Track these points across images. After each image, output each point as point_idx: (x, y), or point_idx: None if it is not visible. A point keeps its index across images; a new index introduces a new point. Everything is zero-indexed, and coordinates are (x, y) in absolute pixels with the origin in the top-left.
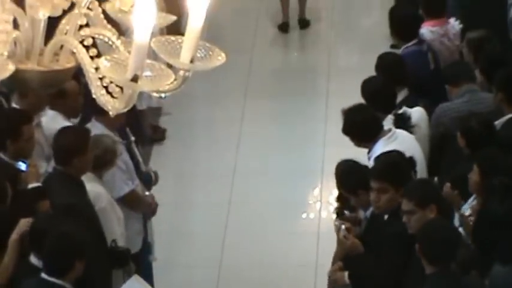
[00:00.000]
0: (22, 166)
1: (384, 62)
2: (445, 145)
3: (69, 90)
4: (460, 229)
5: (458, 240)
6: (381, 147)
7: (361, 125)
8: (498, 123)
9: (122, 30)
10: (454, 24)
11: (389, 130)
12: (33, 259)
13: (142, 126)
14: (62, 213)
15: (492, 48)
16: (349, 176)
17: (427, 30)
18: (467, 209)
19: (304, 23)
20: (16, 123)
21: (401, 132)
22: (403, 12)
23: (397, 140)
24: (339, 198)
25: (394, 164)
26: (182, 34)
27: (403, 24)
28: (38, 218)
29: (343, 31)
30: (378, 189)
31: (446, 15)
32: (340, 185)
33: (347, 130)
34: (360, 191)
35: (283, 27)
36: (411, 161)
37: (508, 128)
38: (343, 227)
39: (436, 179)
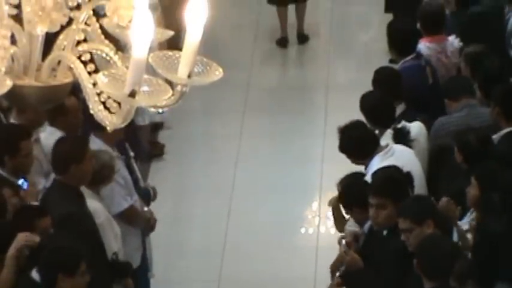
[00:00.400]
0: (24, 184)
1: (381, 77)
2: (443, 159)
3: (69, 107)
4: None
5: (457, 255)
6: (378, 163)
7: (357, 142)
8: (496, 137)
9: (119, 46)
10: (453, 41)
11: (386, 146)
12: (34, 274)
13: (141, 141)
14: (60, 224)
15: (490, 64)
16: (345, 192)
17: (424, 46)
18: (465, 224)
19: (302, 38)
20: (14, 139)
21: (398, 147)
22: (401, 27)
23: (394, 156)
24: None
25: (392, 179)
26: (181, 49)
27: (401, 38)
28: (43, 234)
29: (342, 46)
30: (377, 205)
31: (444, 32)
32: (338, 199)
33: (343, 148)
34: (354, 208)
35: (282, 43)
36: (408, 176)
37: (505, 143)
38: (343, 241)
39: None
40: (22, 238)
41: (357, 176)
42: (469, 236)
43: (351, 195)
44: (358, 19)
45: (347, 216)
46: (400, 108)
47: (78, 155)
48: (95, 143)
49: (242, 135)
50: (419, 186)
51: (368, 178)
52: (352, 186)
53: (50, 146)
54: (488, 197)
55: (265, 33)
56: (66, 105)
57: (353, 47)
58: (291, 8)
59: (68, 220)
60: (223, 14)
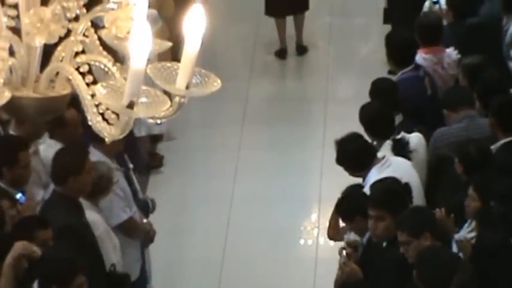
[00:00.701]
0: (21, 198)
1: (378, 88)
2: (442, 170)
3: (69, 119)
4: (460, 255)
5: (457, 266)
6: (375, 175)
7: (353, 155)
8: (493, 148)
9: (118, 57)
10: (451, 53)
11: (383, 157)
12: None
13: (140, 153)
14: (59, 235)
15: (489, 75)
16: (346, 201)
17: (420, 56)
18: (466, 235)
19: (301, 50)
20: (12, 150)
21: (395, 158)
22: (399, 38)
23: (391, 167)
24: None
25: (390, 191)
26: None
27: (399, 50)
28: (44, 246)
29: (341, 58)
30: (375, 216)
31: (442, 43)
32: (337, 210)
33: (340, 161)
34: (357, 216)
35: (281, 54)
36: (407, 187)
37: (502, 154)
38: (343, 252)
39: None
40: (19, 247)
41: (358, 186)
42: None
43: (354, 203)
44: (357, 31)
45: (342, 225)
46: (397, 119)
47: (77, 166)
48: (94, 155)
49: (241, 146)
50: (418, 197)
51: (366, 190)
52: (354, 194)
53: (49, 158)
54: (488, 208)
55: (263, 44)
56: (65, 118)
57: (352, 58)
58: (290, 20)
59: (66, 232)
60: (222, 25)
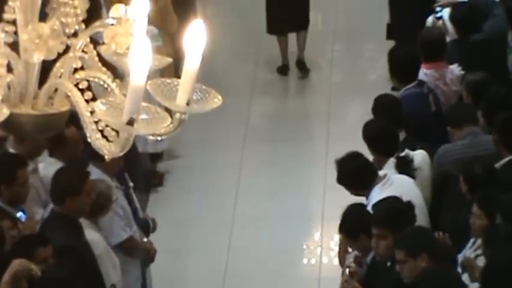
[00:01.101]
0: (22, 217)
1: (381, 104)
2: (446, 187)
3: (69, 137)
4: (466, 275)
5: (459, 286)
6: (377, 194)
7: (354, 174)
8: (497, 166)
9: (117, 73)
10: (454, 69)
11: (384, 176)
12: None
13: (141, 170)
14: (58, 255)
15: (494, 91)
16: (349, 219)
17: (422, 72)
18: (470, 254)
19: (302, 65)
20: (10, 168)
21: (397, 176)
22: (402, 54)
23: (393, 185)
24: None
25: (393, 210)
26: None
27: (402, 65)
28: (44, 264)
29: (344, 74)
30: (377, 235)
31: (446, 60)
32: (340, 228)
33: (341, 180)
34: (361, 234)
35: (283, 70)
36: (409, 206)
37: (506, 172)
38: (346, 271)
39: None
40: (16, 264)
41: (360, 204)
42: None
43: (357, 221)
44: (361, 50)
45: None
46: (401, 136)
47: (75, 188)
48: (94, 173)
49: (242, 164)
50: (421, 216)
51: (369, 209)
52: (357, 212)
53: (49, 177)
54: (494, 226)
55: (265, 60)
56: (65, 136)
57: (355, 75)
58: (293, 37)
59: (66, 251)
60: (223, 41)
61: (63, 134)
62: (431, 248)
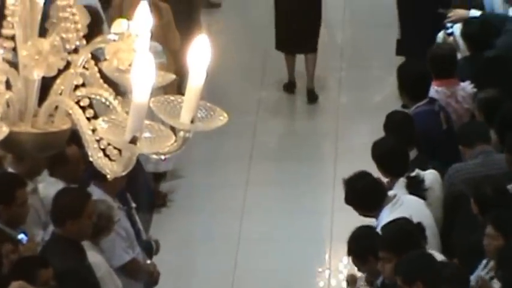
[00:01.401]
0: (23, 239)
1: (393, 121)
2: (458, 207)
3: (70, 156)
4: None
5: None
6: (386, 215)
7: (362, 194)
8: (510, 187)
9: (119, 90)
10: (466, 86)
11: (394, 196)
12: None
13: (144, 190)
14: (60, 279)
15: (508, 109)
16: (358, 241)
17: (433, 90)
18: (484, 275)
19: (312, 95)
20: (9, 188)
21: (407, 197)
22: (412, 70)
23: (403, 206)
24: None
25: (401, 233)
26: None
27: (412, 82)
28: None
29: (352, 93)
30: (383, 258)
31: (457, 77)
32: (349, 250)
33: (349, 200)
34: (370, 257)
35: (289, 88)
36: (419, 227)
37: None
38: None
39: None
40: (15, 286)
41: (369, 226)
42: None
43: (366, 243)
44: (370, 69)
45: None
46: (411, 155)
47: (76, 210)
48: (95, 193)
49: (248, 184)
50: (431, 237)
51: (379, 231)
52: (366, 234)
53: (50, 197)
54: (509, 247)
55: (271, 77)
56: (66, 154)
57: (363, 93)
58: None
59: (68, 275)
60: (228, 57)
61: (64, 152)
62: (426, 276)
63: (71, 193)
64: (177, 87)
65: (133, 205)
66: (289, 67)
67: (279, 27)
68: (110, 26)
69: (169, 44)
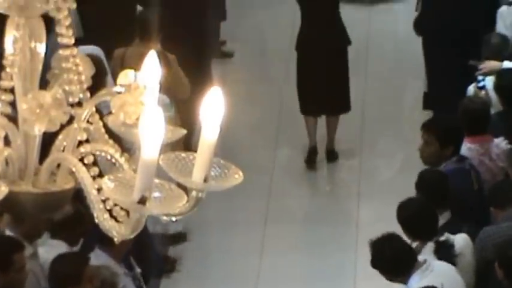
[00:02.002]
0: None
1: (426, 180)
2: (490, 274)
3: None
4: None
5: None
6: (416, 281)
7: (391, 258)
8: None
9: (125, 147)
10: (500, 142)
11: (424, 261)
12: None
13: (150, 254)
14: None
15: None
16: None
17: (464, 147)
18: None
19: (332, 155)
20: (6, 252)
21: (438, 263)
22: (442, 126)
23: (434, 272)
24: None
25: None
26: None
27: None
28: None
29: (374, 150)
30: None
31: (489, 132)
32: None
33: (376, 264)
34: None
35: (311, 157)
36: None
37: None
38: None
39: None
40: None
41: None
42: None
43: None
44: (391, 126)
45: None
46: (444, 218)
47: (75, 277)
48: (100, 257)
49: (264, 248)
50: None
51: None
52: None
53: (50, 262)
54: None
55: (286, 134)
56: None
57: (388, 151)
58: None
59: None
60: (242, 112)
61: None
62: None
63: (68, 259)
64: (185, 143)
65: (138, 270)
66: (309, 129)
67: (304, 89)
68: (114, 77)
69: (178, 93)
